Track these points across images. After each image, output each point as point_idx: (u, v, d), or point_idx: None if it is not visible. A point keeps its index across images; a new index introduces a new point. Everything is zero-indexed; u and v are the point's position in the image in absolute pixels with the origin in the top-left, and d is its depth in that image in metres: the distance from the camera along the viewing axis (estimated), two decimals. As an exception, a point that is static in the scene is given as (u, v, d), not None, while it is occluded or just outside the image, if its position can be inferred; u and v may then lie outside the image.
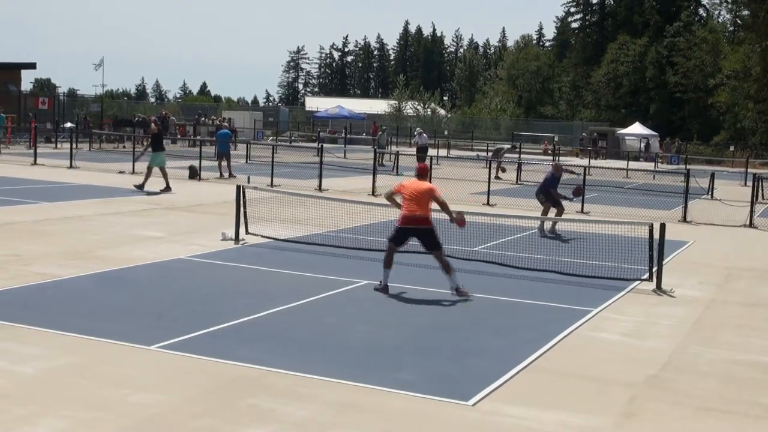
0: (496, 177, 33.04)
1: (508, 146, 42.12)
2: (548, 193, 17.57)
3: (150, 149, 23.35)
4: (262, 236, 14.66)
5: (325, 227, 16.26)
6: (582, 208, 21.99)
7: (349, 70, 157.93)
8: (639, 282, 12.17)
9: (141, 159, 25.23)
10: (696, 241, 17.38)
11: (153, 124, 25.63)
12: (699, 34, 78.58)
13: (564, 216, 17.82)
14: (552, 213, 17.57)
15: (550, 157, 50.51)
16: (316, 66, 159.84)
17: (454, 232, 15.90)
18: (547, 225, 17.14)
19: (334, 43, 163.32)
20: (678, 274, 13.07)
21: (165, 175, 22.32)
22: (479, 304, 10.66)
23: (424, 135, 36.28)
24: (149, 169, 22.52)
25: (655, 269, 11.98)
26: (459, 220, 11.63)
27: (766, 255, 16.28)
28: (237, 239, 14.30)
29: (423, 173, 11.51)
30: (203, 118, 57.49)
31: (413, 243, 11.26)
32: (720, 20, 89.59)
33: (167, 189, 22.01)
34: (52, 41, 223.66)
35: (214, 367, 7.53)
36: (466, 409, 6.76)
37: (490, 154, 41.57)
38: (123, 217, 17.04)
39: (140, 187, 21.88)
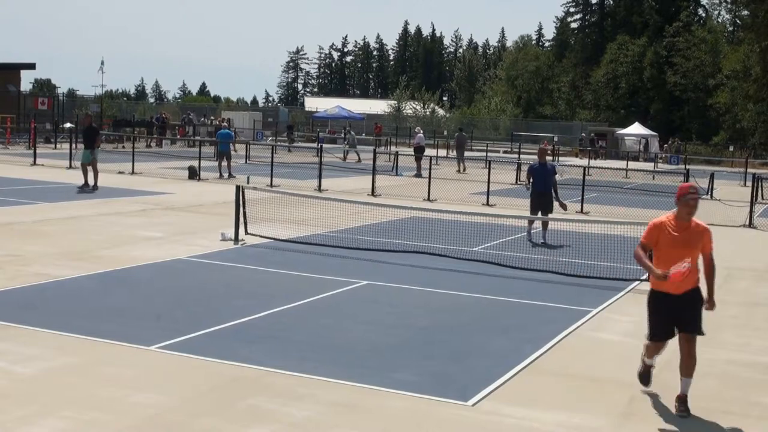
0: (464, 171, 33.75)
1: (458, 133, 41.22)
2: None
3: (83, 145, 22.86)
4: (261, 236, 14.66)
5: (325, 227, 16.26)
6: (581, 208, 21.99)
7: (349, 71, 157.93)
8: (639, 282, 12.18)
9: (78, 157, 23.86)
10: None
11: (87, 118, 24.66)
12: (698, 34, 78.61)
13: (564, 216, 17.80)
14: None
15: (551, 158, 50.52)
16: (316, 66, 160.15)
17: (453, 230, 15.95)
18: (537, 226, 16.49)
19: (333, 44, 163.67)
20: (678, 274, 13.05)
21: (86, 174, 22.16)
22: (479, 304, 10.66)
23: (420, 135, 36.05)
24: (94, 165, 22.16)
25: (654, 269, 11.97)
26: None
27: (766, 255, 16.28)
28: (236, 239, 14.29)
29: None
30: (203, 118, 57.42)
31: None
32: (719, 20, 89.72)
33: (86, 185, 21.95)
34: (52, 41, 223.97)
35: (214, 367, 7.53)
36: (466, 409, 6.76)
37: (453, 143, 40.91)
38: (123, 217, 17.04)
39: (94, 187, 21.79)
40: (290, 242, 14.47)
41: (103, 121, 53.06)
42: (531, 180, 16.26)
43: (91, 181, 21.94)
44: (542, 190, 16.06)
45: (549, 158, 17.40)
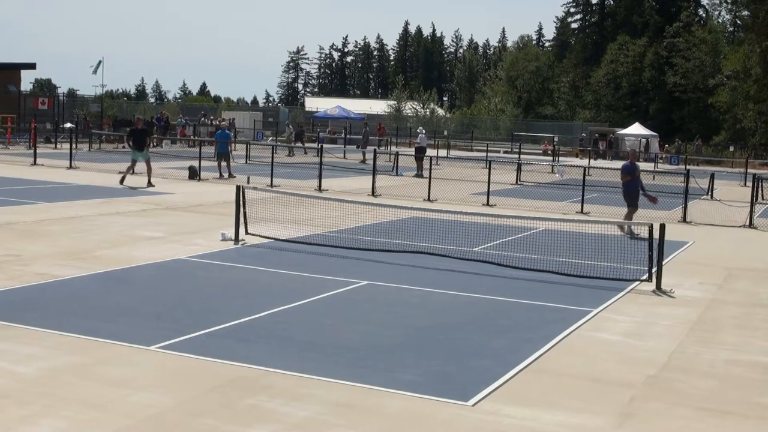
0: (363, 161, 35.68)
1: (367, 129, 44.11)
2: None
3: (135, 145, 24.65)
4: (261, 236, 14.66)
5: (325, 227, 16.26)
6: (582, 208, 21.99)
7: (349, 71, 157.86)
8: (639, 282, 12.17)
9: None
10: (696, 241, 17.38)
11: (138, 121, 27.25)
12: (698, 34, 78.58)
13: (563, 216, 17.81)
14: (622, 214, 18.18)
15: (550, 158, 50.50)
16: (316, 66, 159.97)
17: (453, 230, 15.96)
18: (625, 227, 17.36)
19: (333, 44, 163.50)
20: (678, 275, 13.07)
21: (127, 171, 24.11)
22: (479, 304, 10.66)
23: (421, 135, 35.95)
24: (147, 163, 24.16)
25: (654, 269, 11.99)
26: None
27: (766, 255, 16.28)
28: (237, 239, 14.30)
29: None
30: (203, 118, 57.49)
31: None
32: (720, 21, 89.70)
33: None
34: (52, 41, 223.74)
35: (214, 367, 7.53)
36: (466, 409, 6.76)
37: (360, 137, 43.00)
38: (123, 217, 17.04)
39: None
40: (290, 242, 14.47)
41: (102, 121, 53.18)
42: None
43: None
44: (636, 188, 18.06)
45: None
